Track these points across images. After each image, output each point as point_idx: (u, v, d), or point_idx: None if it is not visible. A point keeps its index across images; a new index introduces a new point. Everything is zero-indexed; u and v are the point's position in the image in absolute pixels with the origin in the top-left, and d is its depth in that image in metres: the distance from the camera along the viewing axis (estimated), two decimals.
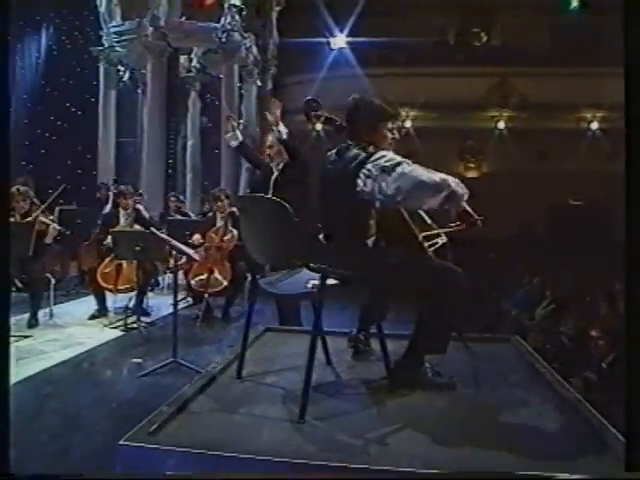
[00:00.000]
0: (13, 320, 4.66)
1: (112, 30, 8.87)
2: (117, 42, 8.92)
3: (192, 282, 5.10)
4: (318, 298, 1.77)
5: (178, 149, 10.90)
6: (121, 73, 10.36)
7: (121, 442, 1.50)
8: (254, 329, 3.11)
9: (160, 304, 5.57)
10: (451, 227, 2.19)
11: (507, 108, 10.55)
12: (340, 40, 10.66)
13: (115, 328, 4.70)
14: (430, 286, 2.01)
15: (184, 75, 10.33)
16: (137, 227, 5.18)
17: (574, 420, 1.75)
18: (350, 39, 10.54)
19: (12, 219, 4.65)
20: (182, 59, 10.24)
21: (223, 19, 8.81)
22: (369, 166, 1.85)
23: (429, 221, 2.26)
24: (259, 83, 10.53)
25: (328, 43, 10.68)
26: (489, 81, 10.43)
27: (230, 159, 9.08)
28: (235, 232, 5.03)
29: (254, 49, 9.97)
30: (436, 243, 2.26)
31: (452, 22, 11.73)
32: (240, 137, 2.76)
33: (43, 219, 4.71)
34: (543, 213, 11.10)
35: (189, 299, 5.74)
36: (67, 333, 4.53)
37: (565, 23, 11.10)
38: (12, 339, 4.06)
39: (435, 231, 2.31)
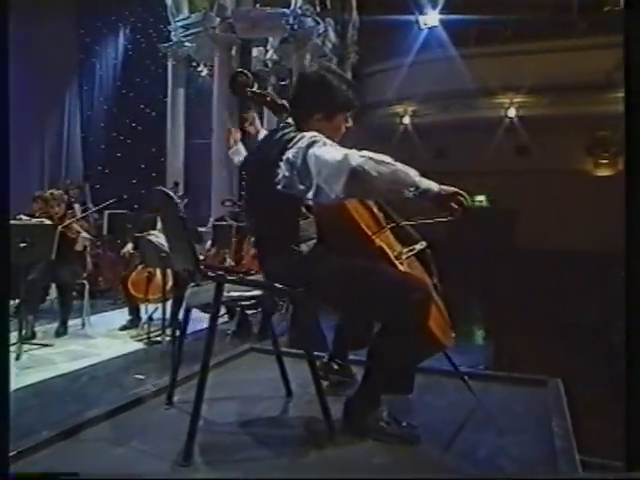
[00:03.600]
0: (44, 328, 5.05)
1: (179, 24, 9.33)
2: (184, 37, 9.36)
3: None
4: (211, 310, 1.61)
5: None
6: (199, 69, 10.97)
7: None
8: (240, 347, 3.01)
9: (200, 317, 5.69)
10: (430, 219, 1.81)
11: None
12: (432, 18, 10.26)
13: (140, 340, 4.88)
14: (384, 304, 1.74)
15: (258, 69, 10.63)
16: None
17: None
18: (443, 16, 10.11)
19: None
20: (256, 52, 10.55)
21: (293, 3, 8.89)
22: (291, 151, 1.64)
23: (399, 221, 1.99)
24: None
25: (417, 22, 10.34)
26: (619, 53, 9.28)
27: None
28: None
29: (331, 35, 9.93)
30: (412, 250, 1.99)
31: None
32: (244, 152, 2.42)
33: (75, 227, 5.06)
34: None
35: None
36: (89, 344, 4.77)
37: None
38: (29, 347, 4.42)
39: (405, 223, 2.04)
